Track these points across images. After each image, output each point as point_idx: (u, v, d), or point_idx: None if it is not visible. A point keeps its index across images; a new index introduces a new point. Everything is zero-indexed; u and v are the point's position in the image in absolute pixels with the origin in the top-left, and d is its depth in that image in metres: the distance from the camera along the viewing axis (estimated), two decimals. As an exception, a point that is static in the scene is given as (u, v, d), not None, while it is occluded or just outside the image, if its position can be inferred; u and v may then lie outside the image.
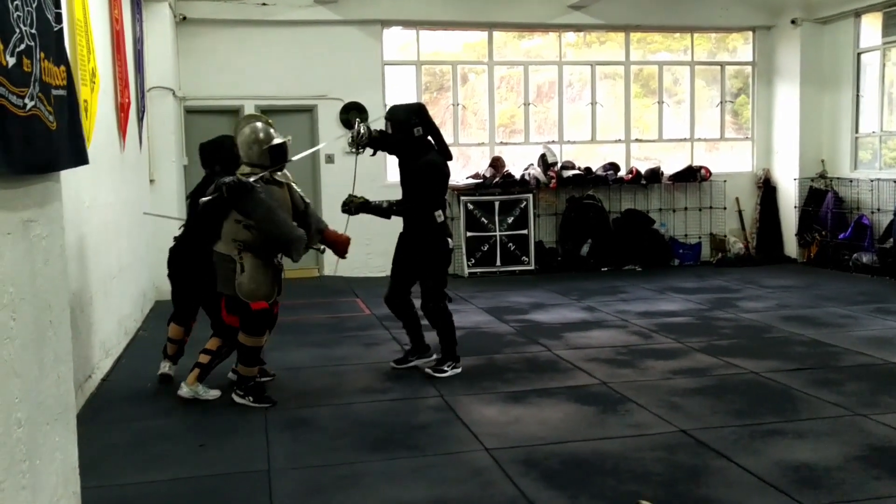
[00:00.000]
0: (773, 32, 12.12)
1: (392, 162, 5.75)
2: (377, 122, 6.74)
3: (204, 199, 5.06)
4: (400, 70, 11.31)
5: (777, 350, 6.47)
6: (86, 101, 5.46)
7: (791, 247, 11.96)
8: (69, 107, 3.03)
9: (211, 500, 3.85)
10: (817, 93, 11.68)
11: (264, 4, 10.41)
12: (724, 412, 4.95)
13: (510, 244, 11.10)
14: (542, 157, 11.39)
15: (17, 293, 2.52)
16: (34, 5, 2.54)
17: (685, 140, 12.30)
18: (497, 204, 11.07)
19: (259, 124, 5.32)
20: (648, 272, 11.04)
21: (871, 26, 11.03)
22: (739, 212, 12.27)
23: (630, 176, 11.64)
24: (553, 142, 11.78)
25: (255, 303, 5.13)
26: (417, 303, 6.06)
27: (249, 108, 10.58)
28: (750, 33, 12.29)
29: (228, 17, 10.31)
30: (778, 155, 12.21)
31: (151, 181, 9.08)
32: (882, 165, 10.96)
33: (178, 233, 5.82)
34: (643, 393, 5.35)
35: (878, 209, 10.60)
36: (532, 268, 11.10)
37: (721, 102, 12.35)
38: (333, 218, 6.32)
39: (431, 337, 6.09)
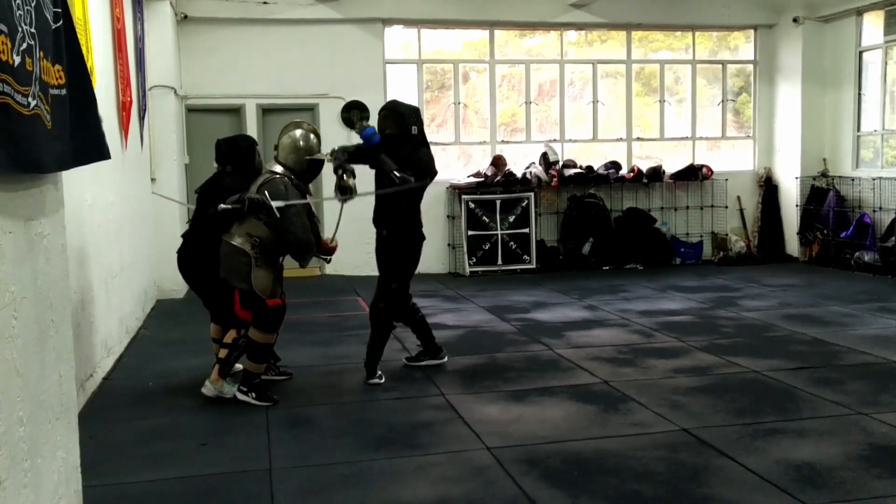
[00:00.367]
0: (775, 31, 12.11)
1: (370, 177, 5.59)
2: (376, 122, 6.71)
3: (224, 206, 5.09)
4: (401, 69, 11.31)
5: (778, 349, 6.47)
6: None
7: (793, 245, 11.95)
8: (84, 103, 3.02)
9: (212, 498, 3.85)
10: (819, 91, 11.66)
11: (265, 3, 10.40)
12: (726, 411, 4.95)
13: (511, 243, 11.09)
14: (544, 156, 11.39)
15: (19, 292, 2.52)
16: (33, 4, 2.52)
17: (687, 139, 12.29)
18: (498, 203, 11.06)
19: (311, 135, 5.46)
20: (650, 271, 11.04)
21: (873, 25, 11.02)
22: (741, 210, 12.26)
23: (631, 175, 11.64)
24: (554, 140, 11.77)
25: (271, 299, 5.17)
26: (416, 303, 6.05)
27: (250, 107, 10.62)
28: (751, 32, 12.28)
29: (230, 15, 10.31)
30: (779, 153, 12.19)
31: (153, 180, 9.08)
32: (884, 164, 10.95)
33: (183, 231, 5.80)
34: (645, 392, 5.35)
35: (880, 208, 10.59)
36: (533, 267, 11.10)
37: (723, 101, 12.34)
38: (325, 218, 6.29)
39: (440, 337, 6.04)
